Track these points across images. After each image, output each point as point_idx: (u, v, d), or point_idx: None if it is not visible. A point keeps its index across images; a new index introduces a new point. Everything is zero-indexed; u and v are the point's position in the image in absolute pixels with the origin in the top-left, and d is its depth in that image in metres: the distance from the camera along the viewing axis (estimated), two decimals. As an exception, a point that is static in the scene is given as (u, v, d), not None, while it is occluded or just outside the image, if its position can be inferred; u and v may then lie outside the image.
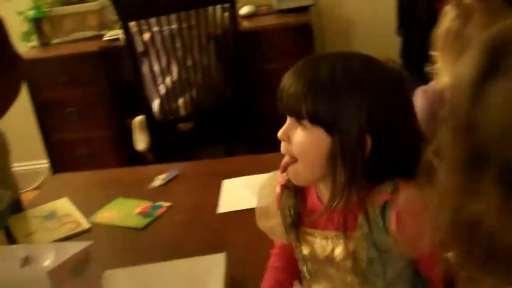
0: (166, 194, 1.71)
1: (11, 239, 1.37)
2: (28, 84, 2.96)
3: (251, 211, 1.49)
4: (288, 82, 0.95)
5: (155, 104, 2.76)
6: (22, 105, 2.93)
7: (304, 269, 1.02)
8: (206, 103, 2.81)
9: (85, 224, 1.57)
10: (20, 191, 1.76)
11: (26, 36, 3.21)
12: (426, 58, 1.58)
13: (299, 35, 2.99)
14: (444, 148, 0.62)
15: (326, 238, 0.97)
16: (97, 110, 3.04)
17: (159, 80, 2.71)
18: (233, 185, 1.69)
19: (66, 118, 3.05)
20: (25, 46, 3.14)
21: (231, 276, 1.20)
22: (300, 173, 0.95)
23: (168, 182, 1.79)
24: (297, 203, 1.00)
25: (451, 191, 0.61)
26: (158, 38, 2.65)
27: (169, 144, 2.89)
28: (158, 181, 1.80)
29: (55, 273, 0.70)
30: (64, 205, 1.70)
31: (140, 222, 1.56)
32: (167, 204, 1.64)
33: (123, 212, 1.63)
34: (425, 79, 1.62)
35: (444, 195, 0.62)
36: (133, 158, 2.94)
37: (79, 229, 1.55)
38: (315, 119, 0.91)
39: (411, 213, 0.83)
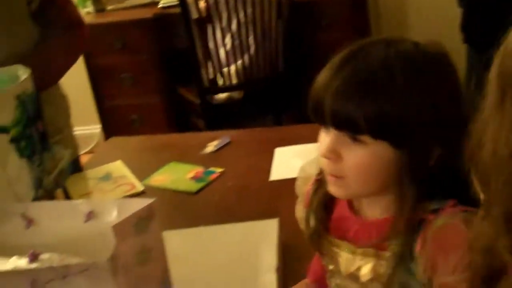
0: (218, 160, 1.72)
1: (68, 199, 1.41)
2: (83, 50, 3.01)
3: (302, 179, 1.49)
4: (332, 83, 0.76)
5: (207, 72, 2.77)
6: (77, 70, 2.99)
7: (332, 284, 0.90)
8: (258, 73, 2.81)
9: (139, 186, 1.60)
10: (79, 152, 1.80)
11: (81, 2, 3.26)
12: (492, 31, 1.51)
13: (354, 7, 2.95)
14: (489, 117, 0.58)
15: (353, 252, 0.83)
16: (149, 77, 3.07)
17: (213, 47, 2.72)
18: (285, 153, 1.70)
19: (119, 84, 3.10)
20: (80, 12, 3.18)
21: (283, 242, 1.21)
22: (350, 188, 0.79)
23: (220, 149, 1.80)
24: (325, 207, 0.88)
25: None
26: (213, 6, 2.65)
27: (219, 113, 2.90)
28: (210, 147, 1.81)
29: (119, 228, 0.71)
30: (118, 168, 1.73)
31: (193, 186, 1.58)
32: (219, 170, 1.65)
33: (176, 176, 1.66)
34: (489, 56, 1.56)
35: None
36: (184, 126, 2.97)
37: (133, 191, 1.57)
38: (381, 132, 0.74)
39: (441, 242, 0.73)
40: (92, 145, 3.38)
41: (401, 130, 0.74)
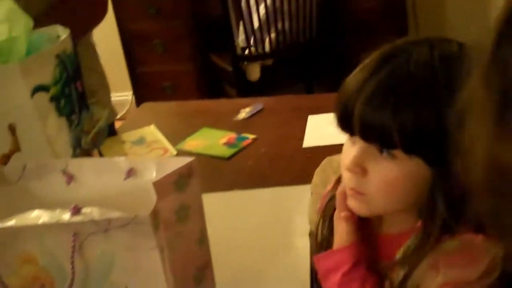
0: (250, 126, 1.73)
1: (103, 161, 1.43)
2: (115, 16, 3.01)
3: (335, 147, 1.49)
4: (365, 87, 0.67)
5: (240, 39, 2.76)
6: (110, 36, 3.00)
7: None
8: (291, 40, 2.79)
9: (172, 151, 1.61)
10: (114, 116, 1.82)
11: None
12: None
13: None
14: (473, 96, 0.53)
15: None
16: (182, 43, 3.07)
17: (246, 15, 2.71)
18: (319, 121, 1.69)
19: (151, 50, 3.10)
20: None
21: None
22: (372, 206, 0.72)
23: (252, 116, 1.80)
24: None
25: (482, 139, 0.53)
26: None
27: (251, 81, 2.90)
28: (243, 113, 1.81)
29: (160, 185, 0.72)
30: (152, 132, 1.74)
31: (226, 152, 1.59)
32: (252, 136, 1.65)
33: (209, 141, 1.66)
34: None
35: (475, 145, 0.53)
36: (215, 94, 2.97)
37: (167, 156, 1.59)
38: (416, 148, 0.66)
39: (452, 263, 0.68)
40: (124, 111, 3.41)
41: (439, 146, 0.63)
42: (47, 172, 0.85)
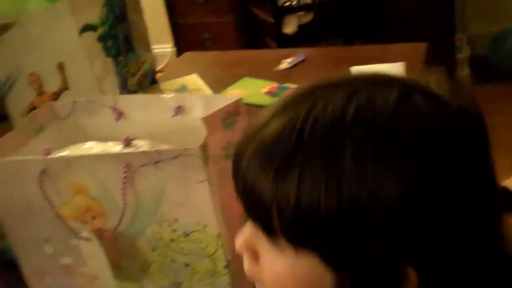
0: (292, 77, 1.72)
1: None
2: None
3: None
4: (255, 138, 0.48)
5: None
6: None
7: None
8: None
9: (214, 98, 1.61)
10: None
11: None
12: None
13: None
14: None
15: None
16: (222, -6, 3.05)
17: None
18: (362, 72, 1.67)
19: (192, 2, 3.09)
20: None
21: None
22: None
23: (294, 66, 1.79)
24: None
25: None
26: None
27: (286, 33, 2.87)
28: (285, 64, 1.80)
29: (209, 121, 0.72)
30: (194, 81, 1.75)
31: (268, 101, 1.59)
32: (294, 86, 1.65)
33: (250, 90, 1.66)
34: None
35: None
36: (255, 46, 2.96)
37: (209, 102, 1.59)
38: (302, 237, 0.46)
39: None
40: (164, 64, 3.42)
41: (340, 239, 0.44)
42: (96, 108, 0.86)
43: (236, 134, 0.78)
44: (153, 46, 1.84)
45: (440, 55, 2.44)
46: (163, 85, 1.73)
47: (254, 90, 1.65)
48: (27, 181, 0.76)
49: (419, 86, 0.48)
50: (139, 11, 1.67)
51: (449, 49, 2.83)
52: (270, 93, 1.62)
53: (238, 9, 3.06)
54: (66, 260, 0.83)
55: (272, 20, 2.82)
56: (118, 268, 0.80)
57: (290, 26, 2.84)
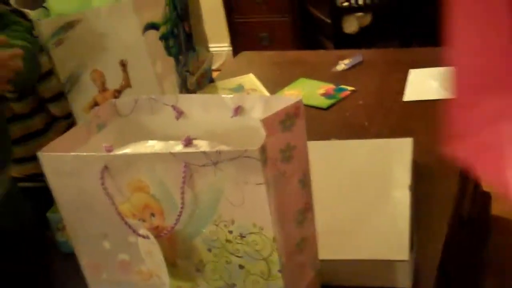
0: (349, 78, 1.70)
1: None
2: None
3: (437, 102, 1.45)
4: None
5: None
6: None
7: None
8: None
9: (270, 99, 1.61)
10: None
11: None
12: None
13: None
14: None
15: None
16: (280, -6, 3.05)
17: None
18: (420, 75, 1.65)
19: (250, 1, 3.09)
20: None
21: (415, 161, 1.19)
22: None
23: (351, 67, 1.78)
24: None
25: None
26: None
27: (348, 34, 2.85)
28: (342, 65, 1.79)
29: (267, 122, 0.72)
30: (250, 80, 1.75)
31: (324, 102, 1.58)
32: (350, 88, 1.63)
33: (307, 91, 1.66)
34: None
35: None
36: (311, 45, 2.95)
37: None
38: None
39: None
40: (221, 63, 3.44)
41: None
42: (158, 107, 0.87)
43: (295, 135, 0.78)
44: (210, 45, 1.85)
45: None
46: (220, 84, 1.75)
47: (310, 91, 1.65)
48: (89, 177, 0.77)
49: None
50: (199, 10, 1.69)
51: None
52: (326, 95, 1.62)
53: (296, 8, 3.05)
54: (124, 256, 0.84)
55: (329, 21, 2.80)
56: (173, 266, 0.81)
57: (351, 26, 2.82)
